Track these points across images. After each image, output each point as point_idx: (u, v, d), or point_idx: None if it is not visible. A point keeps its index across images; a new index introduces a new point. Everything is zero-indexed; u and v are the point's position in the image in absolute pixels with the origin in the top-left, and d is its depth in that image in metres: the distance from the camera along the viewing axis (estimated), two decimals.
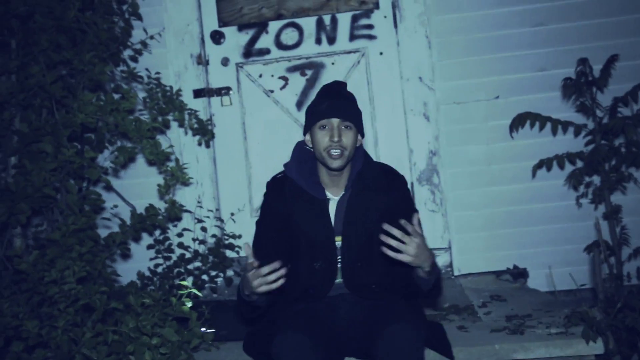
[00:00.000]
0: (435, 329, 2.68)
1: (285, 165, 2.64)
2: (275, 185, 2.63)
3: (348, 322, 2.55)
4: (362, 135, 2.58)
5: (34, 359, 2.66)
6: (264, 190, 3.87)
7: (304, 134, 2.59)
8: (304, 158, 2.62)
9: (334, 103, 2.50)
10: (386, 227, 2.23)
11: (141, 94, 3.51)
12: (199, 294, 3.00)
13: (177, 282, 3.47)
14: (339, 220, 2.57)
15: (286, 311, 2.50)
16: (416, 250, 2.23)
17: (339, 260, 2.57)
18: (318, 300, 2.57)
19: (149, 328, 2.66)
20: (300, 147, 2.65)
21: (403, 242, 2.23)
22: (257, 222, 2.64)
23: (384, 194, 2.57)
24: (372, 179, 2.59)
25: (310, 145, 2.57)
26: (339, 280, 2.59)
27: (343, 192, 2.59)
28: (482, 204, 3.79)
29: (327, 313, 2.55)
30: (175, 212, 3.37)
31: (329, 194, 2.59)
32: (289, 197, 2.58)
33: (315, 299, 2.56)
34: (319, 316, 2.51)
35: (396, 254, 2.23)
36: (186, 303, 2.85)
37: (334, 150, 2.47)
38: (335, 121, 2.48)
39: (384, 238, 2.22)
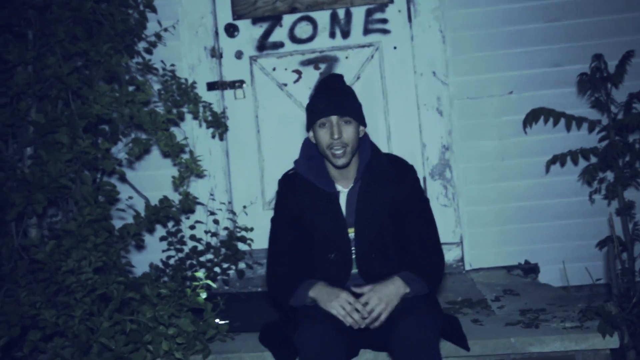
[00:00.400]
0: (451, 321, 2.69)
1: (295, 161, 2.68)
2: (287, 182, 2.68)
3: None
4: (364, 126, 2.61)
5: (52, 347, 2.68)
6: (277, 184, 3.92)
7: (307, 131, 2.63)
8: (312, 153, 2.65)
9: (331, 100, 2.52)
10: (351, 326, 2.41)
11: (155, 86, 3.51)
12: (214, 284, 3.00)
13: (190, 273, 3.48)
14: (351, 212, 2.60)
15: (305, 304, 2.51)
16: (381, 303, 2.38)
17: (353, 251, 2.59)
18: (340, 286, 2.58)
19: (165, 318, 2.68)
20: (308, 142, 2.68)
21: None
22: (272, 220, 2.68)
23: (393, 185, 2.59)
24: (381, 170, 2.61)
25: (315, 142, 2.60)
26: (354, 271, 2.61)
27: (352, 185, 2.62)
28: (494, 199, 3.79)
29: None
30: (189, 204, 3.38)
31: (338, 187, 2.62)
32: (300, 193, 2.62)
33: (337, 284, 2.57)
34: None
35: (380, 320, 2.39)
36: (201, 294, 2.86)
37: (336, 149, 2.51)
38: (334, 118, 2.51)
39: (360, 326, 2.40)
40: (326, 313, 2.40)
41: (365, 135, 2.64)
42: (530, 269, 3.73)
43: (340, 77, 2.63)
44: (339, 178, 2.62)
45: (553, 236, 3.74)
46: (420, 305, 2.41)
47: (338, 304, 2.37)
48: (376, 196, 2.58)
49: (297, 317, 2.45)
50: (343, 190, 2.62)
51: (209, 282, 2.96)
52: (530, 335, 2.69)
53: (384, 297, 2.39)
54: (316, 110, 2.53)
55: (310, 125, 2.58)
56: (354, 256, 2.60)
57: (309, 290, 2.45)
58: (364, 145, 2.63)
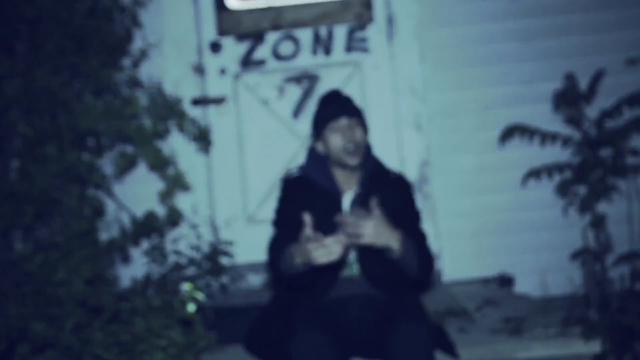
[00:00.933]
0: (438, 328, 2.77)
1: (301, 166, 2.77)
2: (290, 181, 2.76)
3: (358, 323, 2.60)
4: (368, 132, 2.72)
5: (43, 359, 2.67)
6: (259, 198, 3.99)
7: (315, 143, 2.73)
8: (318, 160, 2.74)
9: (338, 105, 2.68)
10: (337, 217, 2.37)
11: (140, 101, 3.54)
12: (203, 295, 3.03)
13: (180, 285, 3.49)
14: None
15: (301, 310, 2.55)
16: (374, 229, 2.35)
17: (354, 252, 2.65)
18: (328, 290, 2.64)
19: (158, 329, 2.70)
20: (312, 150, 2.77)
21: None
22: (276, 211, 2.74)
23: (394, 192, 2.69)
24: (384, 178, 2.74)
25: (324, 150, 2.69)
26: (351, 273, 2.66)
27: (356, 189, 2.71)
28: (472, 212, 3.90)
29: (338, 314, 2.61)
30: (175, 218, 3.41)
31: (343, 190, 2.71)
32: (304, 192, 2.69)
33: (325, 288, 2.64)
34: (332, 317, 2.57)
35: (357, 239, 2.35)
36: (190, 306, 2.89)
37: (350, 147, 2.60)
38: (343, 120, 2.64)
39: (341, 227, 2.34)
40: (323, 319, 2.45)
41: (368, 144, 2.74)
42: (506, 281, 3.83)
43: (340, 91, 2.78)
44: (344, 183, 2.70)
45: (529, 248, 3.85)
46: (416, 311, 2.49)
47: (320, 253, 2.30)
48: (379, 200, 2.65)
49: (291, 322, 2.49)
50: (347, 194, 2.70)
51: (197, 293, 2.99)
52: (516, 342, 2.78)
53: (380, 231, 2.37)
54: (326, 116, 2.66)
55: (319, 135, 2.69)
56: (352, 256, 2.66)
57: (292, 260, 2.42)
58: (369, 154, 2.74)
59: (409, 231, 2.65)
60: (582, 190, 3.64)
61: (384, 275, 2.63)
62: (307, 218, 2.37)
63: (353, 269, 2.68)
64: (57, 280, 2.78)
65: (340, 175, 2.71)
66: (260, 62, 3.96)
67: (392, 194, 2.69)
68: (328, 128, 2.64)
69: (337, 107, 2.67)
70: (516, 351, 2.75)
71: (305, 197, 2.68)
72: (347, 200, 2.71)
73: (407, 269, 2.52)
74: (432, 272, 2.68)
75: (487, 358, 2.75)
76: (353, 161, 2.61)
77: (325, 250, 2.30)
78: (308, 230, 2.36)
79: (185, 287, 3.01)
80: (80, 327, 2.70)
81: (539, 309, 3.26)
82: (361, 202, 2.67)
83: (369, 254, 2.62)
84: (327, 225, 2.60)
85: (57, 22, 3.21)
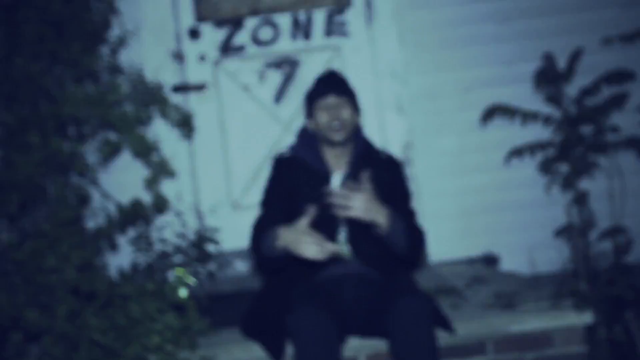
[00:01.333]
0: (433, 304, 2.78)
1: (290, 146, 2.79)
2: (281, 161, 2.77)
3: (354, 301, 2.61)
4: (359, 115, 2.75)
5: (41, 347, 2.62)
6: (243, 184, 3.98)
7: (308, 120, 2.75)
8: (308, 140, 2.76)
9: (327, 83, 2.72)
10: (328, 189, 2.44)
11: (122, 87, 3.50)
12: (194, 279, 3.01)
13: (167, 273, 3.46)
14: None
15: (297, 288, 2.55)
16: (364, 204, 2.40)
17: (343, 232, 2.66)
18: (320, 269, 2.63)
19: (154, 313, 2.67)
20: (303, 130, 2.79)
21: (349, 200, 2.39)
22: (264, 191, 2.75)
23: (383, 172, 2.70)
24: (375, 158, 2.76)
25: (314, 127, 2.71)
26: (346, 251, 2.66)
27: (347, 169, 2.72)
28: (456, 193, 3.94)
29: (334, 293, 2.61)
30: (161, 204, 3.37)
31: (333, 170, 2.72)
32: (294, 171, 2.71)
33: (317, 267, 2.61)
34: (328, 295, 2.57)
35: (345, 211, 2.40)
36: (182, 291, 2.87)
37: (335, 125, 2.63)
38: (331, 98, 2.67)
39: (330, 199, 2.39)
40: (320, 296, 2.45)
41: (360, 127, 2.78)
42: (491, 260, 3.88)
43: (336, 71, 2.82)
44: (334, 163, 2.72)
45: (514, 227, 3.90)
46: (411, 287, 2.51)
47: (314, 248, 2.35)
48: (369, 181, 2.66)
49: (287, 300, 2.48)
50: (337, 173, 2.71)
51: (188, 277, 2.97)
52: (510, 316, 2.80)
53: (369, 206, 2.42)
54: (315, 93, 2.70)
55: (309, 112, 2.71)
56: (342, 237, 2.66)
57: (274, 242, 2.44)
58: (359, 135, 2.78)
59: (399, 209, 2.68)
60: (564, 168, 3.69)
61: (376, 255, 2.64)
62: (312, 210, 2.39)
63: (344, 249, 2.68)
64: (47, 268, 2.74)
65: (330, 155, 2.72)
66: (240, 48, 3.94)
67: (382, 173, 2.71)
68: (316, 105, 2.68)
69: (326, 86, 2.70)
70: (510, 324, 2.77)
71: (294, 177, 2.70)
72: (336, 180, 2.70)
73: (395, 246, 2.55)
74: (423, 249, 2.71)
75: (481, 332, 2.77)
76: (337, 136, 2.64)
77: (316, 248, 2.33)
78: (306, 221, 2.38)
79: (177, 272, 2.98)
80: (73, 313, 2.66)
81: (529, 284, 3.30)
82: (352, 181, 2.68)
83: (360, 234, 2.63)
84: (315, 201, 2.62)
85: (34, 8, 3.15)
